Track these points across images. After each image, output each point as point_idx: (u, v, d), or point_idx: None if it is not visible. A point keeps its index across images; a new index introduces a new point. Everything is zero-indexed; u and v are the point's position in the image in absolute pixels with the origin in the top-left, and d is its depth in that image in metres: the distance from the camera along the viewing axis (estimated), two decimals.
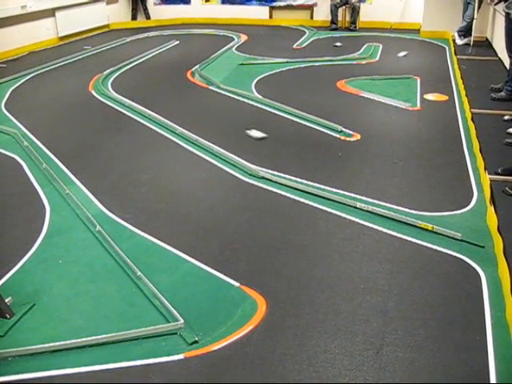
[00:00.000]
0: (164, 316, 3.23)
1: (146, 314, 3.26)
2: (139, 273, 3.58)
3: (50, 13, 11.16)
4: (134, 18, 13.56)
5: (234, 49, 10.47)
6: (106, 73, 8.70)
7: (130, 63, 9.41)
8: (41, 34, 11.06)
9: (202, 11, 13.55)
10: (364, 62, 9.19)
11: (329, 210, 4.35)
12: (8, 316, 3.25)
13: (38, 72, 8.92)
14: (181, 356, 2.94)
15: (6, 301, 3.29)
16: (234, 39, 11.40)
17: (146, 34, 12.15)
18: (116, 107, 7.03)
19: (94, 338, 3.05)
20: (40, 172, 5.15)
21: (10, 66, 9.44)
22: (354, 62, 9.16)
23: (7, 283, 3.57)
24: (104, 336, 3.06)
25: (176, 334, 3.09)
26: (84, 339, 3.04)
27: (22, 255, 3.87)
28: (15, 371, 2.89)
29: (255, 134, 6.00)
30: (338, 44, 10.36)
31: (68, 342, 3.03)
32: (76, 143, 5.91)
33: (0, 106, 7.18)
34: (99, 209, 4.44)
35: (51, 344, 3.02)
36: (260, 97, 7.25)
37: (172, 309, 3.24)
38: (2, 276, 3.63)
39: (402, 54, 9.55)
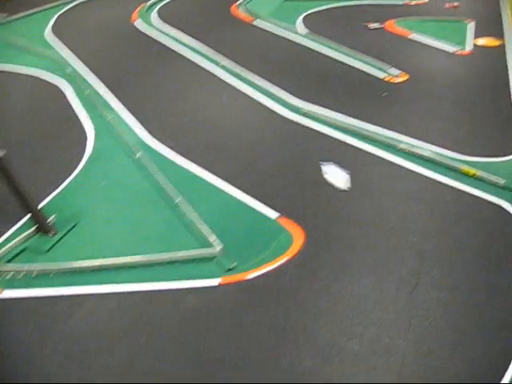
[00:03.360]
0: (202, 242, 3.28)
1: (184, 240, 3.32)
2: (178, 200, 3.63)
3: None
4: None
5: None
6: (150, 2, 8.57)
7: None
8: None
9: None
10: (413, 2, 8.84)
11: (370, 149, 4.29)
12: (52, 233, 3.35)
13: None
14: (216, 281, 3.00)
15: (50, 219, 3.39)
16: None
17: None
18: (160, 38, 6.95)
19: (132, 258, 3.13)
20: (83, 98, 5.19)
21: None
22: (403, 3, 8.83)
23: (51, 203, 3.67)
24: (142, 257, 3.14)
25: (213, 260, 3.15)
26: (123, 259, 3.13)
27: (66, 177, 3.96)
28: (56, 285, 3.01)
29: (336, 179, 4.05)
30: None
31: (108, 260, 3.12)
32: (120, 71, 5.90)
33: (46, 32, 7.18)
34: (141, 136, 4.47)
35: (91, 262, 3.13)
36: (305, 33, 7.08)
37: (210, 235, 3.28)
38: (46, 196, 3.73)
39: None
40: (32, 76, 5.84)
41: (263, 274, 3.06)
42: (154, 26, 7.39)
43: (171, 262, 3.14)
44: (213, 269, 3.10)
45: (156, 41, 6.88)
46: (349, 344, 2.67)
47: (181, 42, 6.75)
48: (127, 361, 2.59)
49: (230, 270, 3.08)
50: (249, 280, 3.03)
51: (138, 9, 8.31)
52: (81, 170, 4.04)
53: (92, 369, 2.56)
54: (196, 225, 3.40)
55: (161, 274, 3.08)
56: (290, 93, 5.24)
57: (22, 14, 8.00)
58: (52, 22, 7.63)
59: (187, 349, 2.65)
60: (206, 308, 2.84)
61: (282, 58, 6.32)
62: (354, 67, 6.00)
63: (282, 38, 7.01)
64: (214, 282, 3.01)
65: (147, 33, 7.17)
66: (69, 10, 8.29)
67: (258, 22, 7.63)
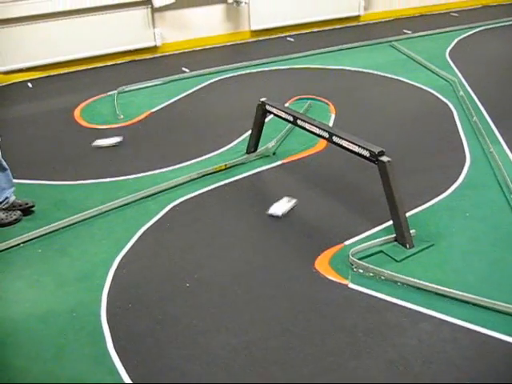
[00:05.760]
0: None
1: None
2: None
3: None
4: None
5: None
6: None
7: None
8: None
9: None
10: None
11: None
12: (408, 246, 3.45)
13: (489, 26, 8.72)
14: None
15: (411, 232, 3.49)
16: None
17: None
18: None
19: (479, 298, 3.00)
20: (469, 124, 5.16)
21: (462, 15, 9.47)
22: None
23: (415, 216, 3.76)
24: (489, 301, 2.98)
25: None
26: (470, 295, 3.02)
27: (434, 196, 4.02)
28: (400, 296, 3.08)
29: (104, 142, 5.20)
30: None
31: (454, 291, 3.06)
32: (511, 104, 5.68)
33: (444, 53, 7.33)
34: None
35: (438, 286, 3.10)
36: None
37: None
38: (412, 208, 3.85)
39: None
40: (425, 90, 6.06)
41: None
42: None
43: None
44: None
45: None
46: None
47: None
48: None
49: None
50: None
51: None
52: (450, 194, 4.04)
53: None
54: None
55: (501, 323, 2.87)
56: None
57: (425, 33, 8.32)
58: (452, 45, 7.74)
59: None
60: None
61: None
62: None
63: None
64: None
65: None
66: (471, 35, 8.29)
67: None
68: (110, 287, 3.27)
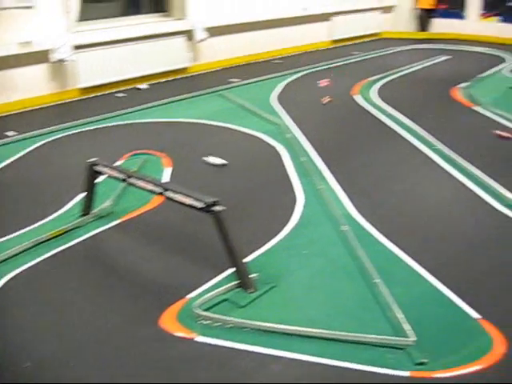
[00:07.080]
0: (394, 329, 3.17)
1: (377, 322, 3.23)
2: (377, 280, 3.57)
3: (326, 17, 11.73)
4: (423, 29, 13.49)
5: (504, 71, 9.81)
6: (371, 79, 8.82)
7: (396, 73, 9.40)
8: (317, 36, 11.66)
9: (479, 28, 12.93)
10: None
11: None
12: (251, 290, 3.51)
13: (310, 71, 9.38)
14: (406, 373, 2.86)
15: (252, 276, 3.55)
16: (506, 61, 10.67)
17: (415, 46, 12.04)
18: (377, 115, 7.08)
19: (323, 331, 3.12)
20: (298, 164, 5.45)
21: (287, 62, 10.10)
22: None
23: (255, 261, 3.84)
24: (332, 332, 3.11)
25: (403, 349, 3.01)
26: (314, 330, 3.13)
27: (271, 238, 4.14)
28: (247, 341, 3.10)
29: (213, 160, 5.64)
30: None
31: (299, 328, 3.15)
32: (335, 143, 6.11)
33: (271, 98, 7.74)
34: (348, 210, 4.53)
35: (283, 326, 3.18)
36: None
37: (405, 323, 3.16)
38: (251, 252, 3.93)
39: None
40: (254, 136, 6.31)
41: (455, 377, 2.84)
42: (372, 102, 7.55)
43: (360, 343, 3.07)
44: (402, 359, 2.96)
45: (373, 116, 7.01)
46: None
47: (396, 121, 6.80)
48: None
49: (421, 364, 2.92)
50: (439, 379, 2.83)
51: (359, 83, 8.58)
52: (286, 234, 4.20)
53: None
54: (391, 309, 3.31)
55: (347, 352, 3.00)
56: (509, 186, 4.94)
57: (251, 80, 8.75)
58: (279, 90, 8.20)
59: None
60: None
61: (508, 149, 6.01)
62: None
63: (506, 127, 6.70)
64: (404, 373, 2.86)
65: (365, 108, 7.35)
66: (295, 79, 8.85)
67: (479, 109, 7.41)
68: None
